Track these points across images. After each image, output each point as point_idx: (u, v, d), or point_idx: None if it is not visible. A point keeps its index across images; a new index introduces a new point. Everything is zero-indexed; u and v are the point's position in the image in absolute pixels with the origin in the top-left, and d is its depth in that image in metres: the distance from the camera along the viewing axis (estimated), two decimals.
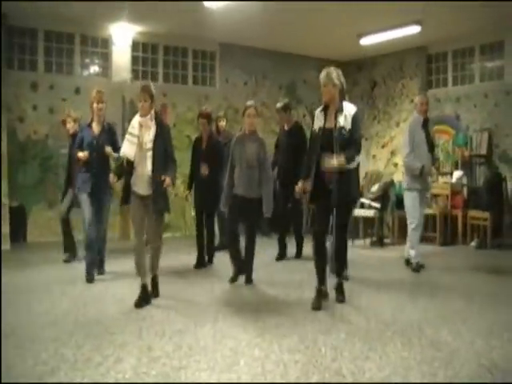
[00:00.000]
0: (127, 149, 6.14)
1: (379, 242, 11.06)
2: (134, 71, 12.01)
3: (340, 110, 5.98)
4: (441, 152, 11.89)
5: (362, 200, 11.29)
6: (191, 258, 8.55)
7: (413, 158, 8.11)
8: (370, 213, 11.27)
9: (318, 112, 6.19)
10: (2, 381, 3.95)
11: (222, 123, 10.18)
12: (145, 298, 6.11)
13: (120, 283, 7.18)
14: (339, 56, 13.85)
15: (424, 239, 8.89)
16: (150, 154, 6.04)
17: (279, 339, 4.92)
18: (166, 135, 6.22)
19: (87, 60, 11.76)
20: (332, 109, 6.02)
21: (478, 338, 4.95)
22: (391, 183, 11.63)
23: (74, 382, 3.98)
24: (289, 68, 13.76)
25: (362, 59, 14.09)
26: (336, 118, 5.96)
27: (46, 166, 10.94)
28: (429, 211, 10.43)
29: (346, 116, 5.94)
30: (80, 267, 7.60)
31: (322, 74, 6.06)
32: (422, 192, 8.28)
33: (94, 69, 11.90)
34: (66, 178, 8.82)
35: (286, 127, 9.37)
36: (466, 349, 4.67)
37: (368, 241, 11.28)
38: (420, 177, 8.04)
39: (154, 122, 6.14)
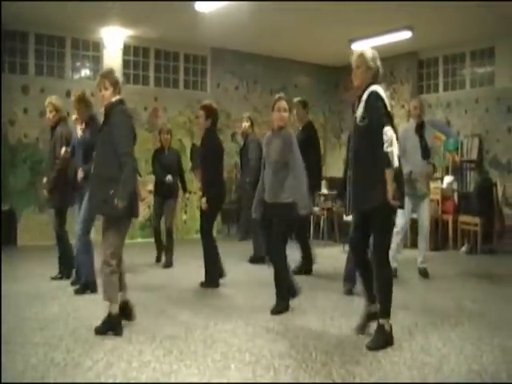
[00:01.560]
0: None
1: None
2: (125, 75, 11.99)
3: (362, 94, 4.93)
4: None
5: None
6: (182, 264, 8.54)
7: (402, 163, 7.99)
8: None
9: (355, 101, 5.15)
10: (2, 381, 3.94)
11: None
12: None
13: None
14: (330, 61, 13.89)
15: (415, 244, 8.88)
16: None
17: (270, 344, 4.92)
18: (115, 126, 5.10)
19: (78, 63, 11.75)
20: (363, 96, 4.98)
21: (468, 343, 4.97)
22: None
23: (77, 382, 3.98)
24: (280, 73, 13.78)
25: None
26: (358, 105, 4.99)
27: (37, 170, 10.90)
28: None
29: (363, 101, 4.92)
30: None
31: (355, 55, 5.04)
32: (413, 197, 7.92)
33: (85, 72, 11.90)
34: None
35: (299, 125, 8.56)
36: (455, 354, 4.68)
37: None
38: (409, 182, 7.69)
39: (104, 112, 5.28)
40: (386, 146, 4.63)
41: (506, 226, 10.80)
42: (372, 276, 5.02)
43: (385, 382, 4.11)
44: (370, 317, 5.16)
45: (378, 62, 4.98)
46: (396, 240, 7.72)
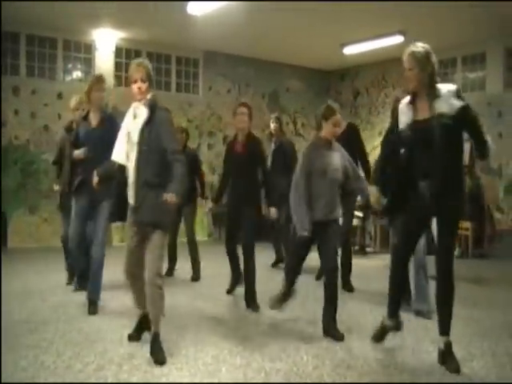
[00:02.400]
0: (116, 149, 4.81)
1: (361, 251, 11.10)
2: (117, 77, 11.98)
3: (435, 94, 4.46)
4: None
5: None
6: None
7: None
8: (353, 222, 11.30)
9: (404, 105, 4.69)
10: (2, 381, 3.93)
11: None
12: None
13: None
14: (322, 65, 13.92)
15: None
16: (136, 149, 4.62)
17: (261, 347, 4.91)
18: (162, 124, 4.60)
19: (70, 65, 11.73)
20: (422, 96, 4.53)
21: (459, 347, 4.96)
22: None
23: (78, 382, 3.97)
24: (272, 76, 13.80)
25: (345, 68, 14.16)
26: (431, 104, 4.47)
27: (28, 172, 10.87)
28: None
29: (445, 99, 4.43)
30: (61, 275, 7.52)
31: (406, 54, 4.58)
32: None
33: (77, 74, 11.88)
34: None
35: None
36: (442, 356, 4.69)
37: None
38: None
39: (147, 107, 4.67)
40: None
41: (496, 231, 10.85)
42: (404, 288, 5.09)
43: None
44: (388, 329, 4.92)
45: (434, 59, 4.56)
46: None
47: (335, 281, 5.42)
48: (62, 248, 7.48)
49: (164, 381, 4.13)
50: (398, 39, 11.01)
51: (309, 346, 4.96)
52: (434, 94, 4.44)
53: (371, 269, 7.83)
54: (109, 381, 4.09)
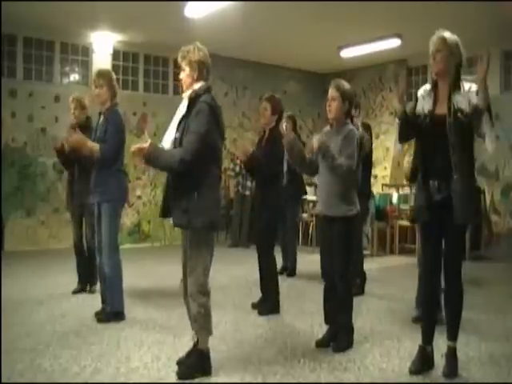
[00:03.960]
0: (167, 136, 4.31)
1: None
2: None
3: (457, 86, 4.29)
4: None
5: None
6: (169, 269, 8.47)
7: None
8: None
9: (424, 91, 4.49)
10: (2, 381, 3.93)
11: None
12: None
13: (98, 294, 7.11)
14: (319, 68, 13.94)
15: (403, 250, 8.90)
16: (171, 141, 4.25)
17: (258, 350, 4.91)
18: (193, 118, 4.15)
19: (67, 68, 11.71)
20: (444, 87, 4.33)
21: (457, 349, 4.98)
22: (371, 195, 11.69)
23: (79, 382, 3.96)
24: (269, 79, 13.80)
25: (342, 71, 14.16)
26: (450, 98, 4.25)
27: (25, 174, 10.86)
28: (406, 223, 10.47)
29: (465, 96, 4.26)
30: (58, 278, 7.50)
31: (436, 37, 4.47)
32: None
33: (74, 77, 11.86)
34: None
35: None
36: (443, 360, 4.67)
37: None
38: None
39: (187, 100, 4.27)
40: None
41: (493, 233, 10.85)
42: (437, 310, 4.71)
43: None
44: (426, 359, 4.49)
45: (462, 50, 4.52)
46: None
47: (341, 289, 5.03)
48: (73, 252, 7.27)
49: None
50: (395, 42, 11.03)
51: (306, 349, 4.95)
52: (456, 86, 4.29)
53: (368, 271, 7.80)
54: None
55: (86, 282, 7.07)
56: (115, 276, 5.78)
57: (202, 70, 4.35)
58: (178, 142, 4.16)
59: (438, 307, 4.75)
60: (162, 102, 12.51)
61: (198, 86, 4.28)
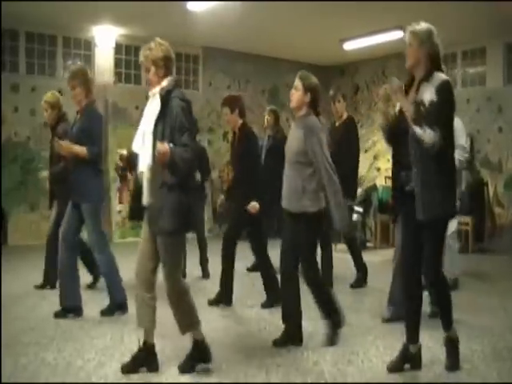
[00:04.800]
0: (139, 138, 4.20)
1: (362, 246, 11.09)
2: (117, 73, 11.96)
3: (428, 78, 4.14)
4: None
5: None
6: None
7: None
8: (352, 217, 11.29)
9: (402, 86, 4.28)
10: (2, 380, 3.93)
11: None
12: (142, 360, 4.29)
13: (101, 287, 7.10)
14: (322, 60, 13.90)
15: None
16: (149, 142, 4.10)
17: (261, 343, 4.94)
18: (174, 117, 4.05)
19: (69, 62, 11.69)
20: (417, 79, 4.24)
21: (459, 342, 4.97)
22: (374, 187, 11.69)
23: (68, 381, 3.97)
24: (272, 72, 13.77)
25: (344, 64, 14.14)
26: (419, 89, 4.17)
27: (27, 169, 10.85)
28: None
29: (429, 88, 4.09)
30: None
31: (407, 31, 4.37)
32: None
33: None
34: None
35: (336, 122, 7.57)
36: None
37: None
38: None
39: (159, 96, 4.17)
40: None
41: (497, 225, 10.85)
42: (420, 308, 4.43)
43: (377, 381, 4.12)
44: (407, 359, 4.37)
45: (436, 40, 4.26)
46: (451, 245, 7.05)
47: (285, 288, 5.04)
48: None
49: (164, 377, 4.15)
50: (398, 34, 10.97)
51: (309, 342, 4.96)
52: (427, 78, 4.14)
53: (371, 264, 7.80)
54: (109, 378, 4.09)
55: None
56: (110, 271, 5.85)
57: (167, 65, 4.31)
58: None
59: (419, 303, 4.43)
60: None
61: (166, 82, 4.22)
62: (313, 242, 4.95)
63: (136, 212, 4.29)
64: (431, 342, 4.94)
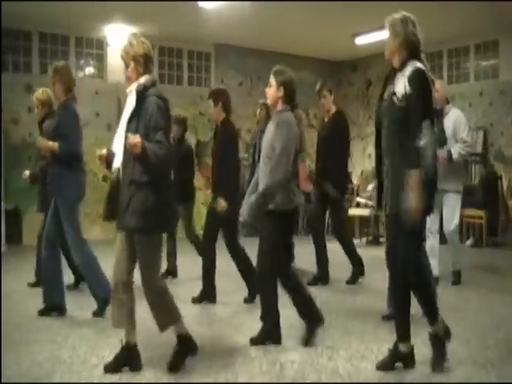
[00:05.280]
0: (117, 138, 4.25)
1: (375, 241, 11.09)
2: None
3: (400, 69, 4.08)
4: None
5: (358, 199, 11.31)
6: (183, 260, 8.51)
7: None
8: (365, 212, 11.29)
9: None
10: (2, 381, 3.94)
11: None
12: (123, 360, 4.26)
13: None
14: (334, 56, 13.87)
15: None
16: (122, 138, 4.14)
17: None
18: (150, 115, 4.04)
19: (82, 61, 11.77)
20: (397, 70, 4.15)
21: (473, 336, 4.97)
22: None
23: (71, 382, 4.00)
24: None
25: (356, 59, 14.10)
26: (394, 81, 4.12)
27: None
28: None
29: (402, 78, 4.02)
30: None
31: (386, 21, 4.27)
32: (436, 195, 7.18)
33: (89, 70, 11.93)
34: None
35: (325, 117, 7.53)
36: (461, 348, 4.67)
37: (364, 240, 11.28)
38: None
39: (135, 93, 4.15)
40: (420, 141, 3.90)
41: (511, 219, 10.79)
42: (409, 305, 4.28)
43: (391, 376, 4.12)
44: (398, 357, 4.26)
45: (411, 28, 4.13)
46: (431, 244, 6.95)
47: (260, 288, 5.04)
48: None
49: (179, 373, 4.16)
50: None
51: (323, 337, 4.95)
52: (401, 68, 4.07)
53: (384, 259, 7.75)
54: (124, 376, 4.12)
55: None
56: (88, 270, 5.82)
57: (147, 63, 4.23)
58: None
59: (408, 300, 4.28)
60: (177, 93, 12.51)
61: (144, 79, 4.16)
62: (286, 240, 4.90)
63: (110, 212, 4.27)
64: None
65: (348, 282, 7.35)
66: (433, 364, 4.19)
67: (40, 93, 6.58)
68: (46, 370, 4.21)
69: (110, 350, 4.61)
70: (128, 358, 4.24)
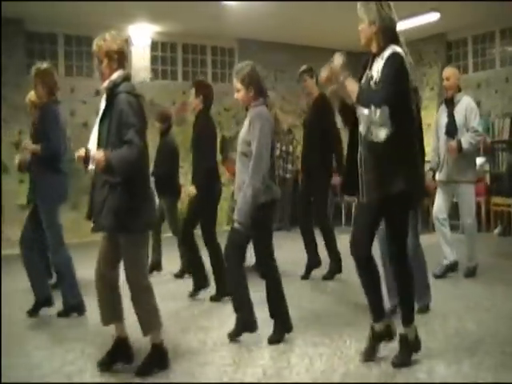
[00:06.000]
0: (93, 136, 4.31)
1: None
2: (154, 71, 12.07)
3: (378, 54, 4.03)
4: None
5: None
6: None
7: (433, 148, 7.07)
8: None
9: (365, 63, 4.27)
10: (2, 381, 3.98)
11: None
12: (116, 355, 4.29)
13: None
14: (357, 46, 13.79)
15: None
16: (95, 139, 4.20)
17: (303, 333, 4.93)
18: (120, 112, 3.96)
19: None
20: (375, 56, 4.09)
21: (502, 326, 4.94)
22: None
23: (73, 382, 4.06)
24: (307, 61, 13.46)
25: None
26: (372, 66, 4.07)
27: (69, 169, 11.00)
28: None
29: (379, 62, 3.98)
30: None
31: (358, 6, 4.17)
32: (448, 185, 6.89)
33: None
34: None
35: (308, 102, 7.44)
36: (490, 337, 4.66)
37: None
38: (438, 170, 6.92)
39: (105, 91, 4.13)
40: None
41: None
42: (379, 285, 4.25)
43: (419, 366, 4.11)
44: (377, 338, 4.25)
45: (386, 11, 4.05)
46: (442, 232, 6.93)
47: (231, 280, 4.87)
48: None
49: (208, 368, 4.20)
50: (434, 16, 10.85)
51: (351, 330, 4.96)
52: (379, 53, 3.99)
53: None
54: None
55: None
56: (65, 271, 5.82)
57: (121, 59, 4.16)
58: (105, 140, 4.04)
59: (375, 278, 4.21)
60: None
61: (115, 75, 4.09)
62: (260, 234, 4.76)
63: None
64: (474, 327, 4.92)
65: (325, 278, 7.05)
66: (395, 362, 4.13)
67: (32, 94, 6.60)
68: (77, 367, 4.29)
69: (138, 346, 4.67)
70: (121, 353, 4.26)
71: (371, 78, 3.95)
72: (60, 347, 4.75)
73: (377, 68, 3.93)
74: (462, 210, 7.03)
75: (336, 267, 7.09)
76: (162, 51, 12.26)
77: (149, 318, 4.19)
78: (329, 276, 7.07)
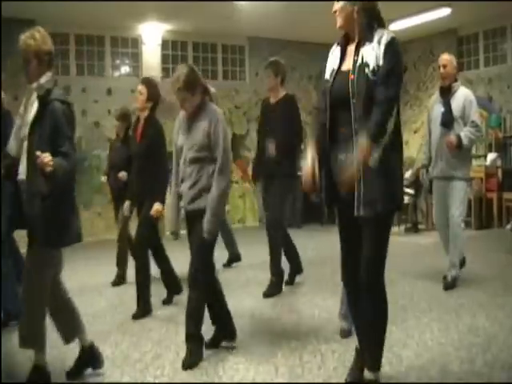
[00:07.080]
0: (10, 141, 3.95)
1: (414, 228, 11.01)
2: (165, 69, 12.09)
3: (366, 39, 3.43)
4: None
5: None
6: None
7: (426, 142, 6.73)
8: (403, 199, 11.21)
9: (334, 48, 3.76)
10: (2, 381, 3.98)
11: None
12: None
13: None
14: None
15: None
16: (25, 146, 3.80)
17: (315, 330, 4.94)
18: (54, 122, 3.73)
19: (118, 61, 11.87)
20: (354, 40, 3.53)
21: None
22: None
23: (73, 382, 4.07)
24: (317, 58, 13.60)
25: None
26: (358, 51, 3.43)
27: (80, 168, 11.06)
28: None
29: (374, 47, 3.36)
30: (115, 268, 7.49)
31: None
32: (441, 181, 6.40)
33: (125, 69, 12.02)
34: None
35: (272, 99, 6.75)
36: (503, 333, 4.64)
37: (402, 227, 11.18)
38: (430, 164, 6.51)
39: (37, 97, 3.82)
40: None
41: None
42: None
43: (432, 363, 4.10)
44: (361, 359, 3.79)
45: None
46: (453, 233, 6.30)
47: (194, 290, 4.43)
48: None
49: (220, 366, 4.20)
50: (445, 12, 10.80)
51: None
52: (366, 38, 3.41)
53: (424, 246, 7.71)
54: (166, 368, 4.18)
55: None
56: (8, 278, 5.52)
57: (50, 61, 3.93)
58: (34, 146, 3.67)
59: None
60: (212, 87, 12.49)
61: (44, 78, 3.84)
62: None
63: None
64: (487, 323, 4.89)
65: (286, 283, 6.61)
66: None
67: None
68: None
69: (151, 345, 4.69)
70: (89, 359, 4.18)
71: (366, 65, 3.33)
72: (60, 347, 4.75)
73: (373, 54, 3.34)
74: (451, 205, 6.26)
75: (297, 268, 6.77)
76: (172, 50, 12.28)
77: (67, 327, 4.18)
78: (290, 281, 6.72)
